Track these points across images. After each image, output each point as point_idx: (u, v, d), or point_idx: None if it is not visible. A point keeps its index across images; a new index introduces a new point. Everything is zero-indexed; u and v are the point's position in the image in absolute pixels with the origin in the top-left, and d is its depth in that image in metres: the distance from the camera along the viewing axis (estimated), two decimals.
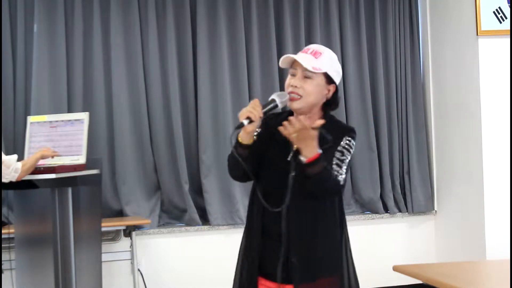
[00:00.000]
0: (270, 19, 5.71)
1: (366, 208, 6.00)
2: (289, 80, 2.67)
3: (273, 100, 2.60)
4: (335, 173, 2.64)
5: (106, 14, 5.43)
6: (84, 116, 4.31)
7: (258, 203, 2.67)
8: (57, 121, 4.34)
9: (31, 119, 4.47)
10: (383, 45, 5.97)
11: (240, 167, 2.63)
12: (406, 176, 6.00)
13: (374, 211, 5.95)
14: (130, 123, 5.47)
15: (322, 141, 2.58)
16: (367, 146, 5.90)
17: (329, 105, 2.71)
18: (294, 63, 2.68)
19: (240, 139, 2.59)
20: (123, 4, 5.45)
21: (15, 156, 3.88)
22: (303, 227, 2.64)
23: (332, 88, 2.69)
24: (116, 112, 5.42)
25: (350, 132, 2.74)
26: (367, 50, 5.92)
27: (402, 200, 6.00)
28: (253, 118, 2.52)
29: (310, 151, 2.52)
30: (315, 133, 2.52)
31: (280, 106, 2.62)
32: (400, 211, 6.00)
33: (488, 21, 5.36)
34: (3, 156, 3.81)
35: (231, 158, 2.67)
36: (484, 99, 5.38)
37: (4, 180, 3.82)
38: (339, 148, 2.69)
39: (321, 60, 2.65)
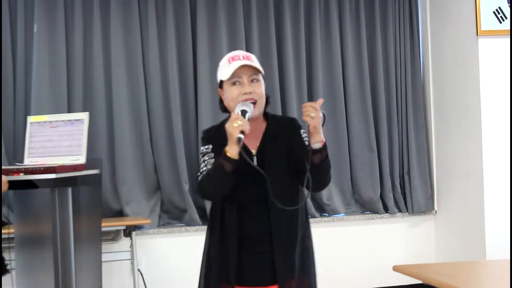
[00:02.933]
0: (270, 19, 5.71)
1: (366, 208, 6.00)
2: (237, 90, 2.68)
3: (245, 111, 2.62)
4: None
5: (106, 14, 5.43)
6: (84, 116, 4.31)
7: (231, 213, 2.68)
8: (57, 121, 4.33)
9: (31, 119, 4.46)
10: (383, 45, 5.97)
11: (230, 183, 2.63)
12: (406, 176, 6.00)
13: (374, 211, 5.95)
14: (130, 123, 5.47)
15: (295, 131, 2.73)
16: (367, 146, 5.90)
17: (267, 103, 2.79)
18: (234, 72, 2.68)
19: (229, 155, 2.57)
20: (123, 4, 5.46)
21: None
22: (285, 229, 2.71)
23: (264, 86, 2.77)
24: (116, 112, 5.42)
25: (296, 121, 2.82)
26: (367, 50, 5.92)
27: (402, 200, 6.00)
28: (246, 131, 2.55)
29: (321, 135, 2.60)
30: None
31: (251, 115, 2.65)
32: (400, 211, 6.00)
33: (488, 21, 5.36)
34: None
35: (220, 175, 2.62)
36: (484, 99, 5.38)
37: None
38: (304, 136, 2.77)
39: (254, 62, 2.73)
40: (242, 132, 2.53)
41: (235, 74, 2.68)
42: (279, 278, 2.70)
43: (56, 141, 4.28)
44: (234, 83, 2.69)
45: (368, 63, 5.92)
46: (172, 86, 5.51)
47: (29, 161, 4.24)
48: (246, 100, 2.66)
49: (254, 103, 2.67)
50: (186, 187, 5.50)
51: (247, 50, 5.63)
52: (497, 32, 5.38)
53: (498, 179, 5.38)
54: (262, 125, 2.78)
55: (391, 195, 5.96)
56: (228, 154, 2.57)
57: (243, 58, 2.70)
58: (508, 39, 5.34)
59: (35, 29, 5.26)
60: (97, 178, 4.37)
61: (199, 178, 2.71)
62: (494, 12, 5.37)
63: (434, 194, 6.06)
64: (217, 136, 2.72)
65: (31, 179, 4.04)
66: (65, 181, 4.13)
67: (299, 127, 2.80)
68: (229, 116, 2.64)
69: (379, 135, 5.95)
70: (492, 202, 5.38)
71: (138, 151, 5.50)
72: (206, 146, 2.75)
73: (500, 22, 5.38)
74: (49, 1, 5.30)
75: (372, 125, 5.90)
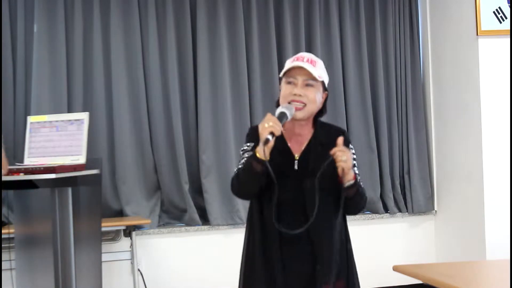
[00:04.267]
0: (270, 19, 5.71)
1: (366, 208, 5.99)
2: (289, 89, 2.67)
3: (284, 113, 2.60)
4: (362, 187, 2.77)
5: (106, 14, 5.43)
6: (84, 116, 4.31)
7: (270, 213, 2.64)
8: (57, 121, 4.33)
9: (31, 119, 4.46)
10: (383, 45, 5.97)
11: (258, 183, 2.61)
12: (406, 176, 6.00)
13: (374, 211, 5.95)
14: (130, 123, 5.47)
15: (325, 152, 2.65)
16: (367, 146, 5.90)
17: (321, 112, 2.79)
18: (291, 72, 2.68)
19: (258, 155, 2.54)
20: (123, 4, 5.45)
21: None
22: (327, 235, 2.71)
23: (325, 95, 2.78)
24: (116, 112, 5.42)
25: (346, 135, 2.79)
26: (367, 50, 5.92)
27: (402, 200, 6.00)
28: (276, 133, 2.52)
29: (351, 173, 2.61)
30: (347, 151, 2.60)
31: (289, 119, 2.63)
32: (400, 211, 6.00)
33: (488, 21, 5.36)
34: None
35: (248, 175, 2.61)
36: (484, 99, 5.38)
37: None
38: (354, 161, 2.74)
39: (318, 68, 2.72)
40: (272, 133, 2.51)
41: (291, 74, 2.68)
42: (318, 280, 2.67)
43: (56, 141, 4.28)
44: (289, 82, 2.69)
45: (368, 63, 5.92)
46: (172, 86, 5.51)
47: (29, 161, 4.24)
48: (293, 101, 2.65)
49: (303, 106, 2.66)
50: (186, 187, 5.50)
51: (247, 50, 5.64)
52: (497, 32, 5.38)
53: (498, 179, 5.38)
54: (310, 131, 2.76)
55: (391, 195, 5.96)
56: (257, 154, 2.55)
57: (306, 61, 2.69)
58: (508, 39, 5.34)
59: (35, 29, 5.26)
60: (97, 178, 4.37)
61: (233, 175, 2.71)
62: (494, 12, 5.37)
63: (434, 194, 6.05)
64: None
65: (31, 179, 4.04)
66: (65, 181, 4.13)
67: (349, 142, 2.79)
68: None
69: (379, 135, 5.95)
70: (492, 202, 5.38)
71: (138, 151, 5.50)
72: (249, 144, 2.72)
73: (500, 22, 5.38)
74: (49, 1, 5.30)
75: (372, 125, 5.90)
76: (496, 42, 5.39)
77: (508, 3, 5.37)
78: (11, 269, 4.71)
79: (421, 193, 5.99)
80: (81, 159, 4.19)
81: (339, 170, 2.59)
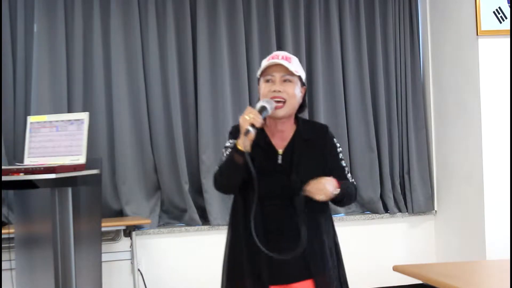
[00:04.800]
0: (270, 19, 5.71)
1: (366, 208, 6.00)
2: (268, 87, 2.72)
3: (264, 107, 2.65)
4: (350, 179, 2.84)
5: (106, 14, 5.43)
6: (84, 116, 4.31)
7: (255, 210, 2.66)
8: (57, 121, 4.33)
9: (31, 119, 4.46)
10: (383, 45, 5.97)
11: (240, 175, 2.65)
12: (406, 176, 6.00)
13: (374, 211, 5.95)
14: (130, 123, 5.47)
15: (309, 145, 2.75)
16: (367, 146, 5.90)
17: (301, 107, 2.82)
18: (267, 70, 2.73)
19: (240, 147, 2.60)
20: (123, 4, 5.45)
21: None
22: (313, 227, 2.74)
23: (303, 90, 2.80)
24: (116, 112, 5.42)
25: (328, 130, 2.85)
26: (367, 50, 5.92)
27: (402, 200, 6.00)
28: (257, 125, 2.57)
29: (333, 185, 2.65)
30: (325, 179, 2.65)
31: (269, 112, 2.67)
32: (400, 211, 6.00)
33: (488, 21, 5.36)
34: None
35: (230, 167, 2.66)
36: (484, 99, 5.38)
37: None
38: (339, 154, 2.84)
39: (293, 63, 2.75)
40: (252, 125, 2.57)
41: (268, 72, 2.73)
42: (314, 273, 2.73)
43: (56, 141, 4.28)
44: (267, 81, 2.74)
45: (368, 63, 5.92)
46: (172, 86, 5.51)
47: (29, 161, 4.24)
48: (273, 97, 2.70)
49: (283, 102, 2.70)
50: (186, 187, 5.50)
51: (247, 50, 5.64)
52: (497, 32, 5.38)
53: (498, 179, 5.38)
54: (292, 127, 2.81)
55: (391, 195, 5.96)
56: (238, 146, 2.60)
57: (282, 58, 2.73)
58: (508, 39, 5.34)
59: (35, 29, 5.26)
60: (97, 178, 4.37)
61: (215, 170, 2.76)
62: (494, 12, 5.37)
63: (434, 194, 6.06)
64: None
65: (31, 179, 4.03)
66: (65, 181, 4.13)
67: (332, 136, 2.86)
68: None
69: (379, 135, 5.95)
70: (492, 202, 5.38)
71: (138, 151, 5.50)
72: (231, 141, 2.77)
73: (500, 22, 5.38)
74: (49, 1, 5.30)
75: (372, 125, 5.90)
76: (496, 42, 5.39)
77: (508, 3, 5.37)
78: (11, 269, 4.71)
79: (421, 193, 5.99)
80: (81, 159, 4.19)
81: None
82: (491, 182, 5.39)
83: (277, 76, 2.72)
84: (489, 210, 5.38)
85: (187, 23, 5.56)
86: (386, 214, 5.97)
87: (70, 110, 5.29)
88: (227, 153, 2.73)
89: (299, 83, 2.76)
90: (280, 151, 2.76)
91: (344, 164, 2.84)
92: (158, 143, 5.53)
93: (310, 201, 2.67)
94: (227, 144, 2.79)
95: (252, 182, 2.63)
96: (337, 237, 2.91)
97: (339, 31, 5.87)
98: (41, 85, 5.24)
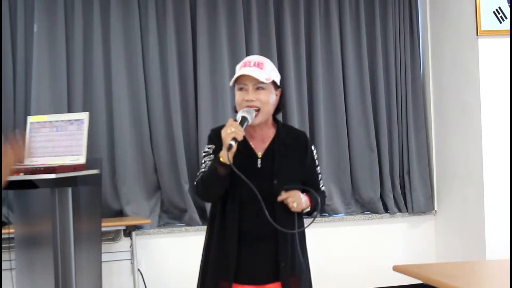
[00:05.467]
0: (270, 19, 5.71)
1: (366, 208, 6.00)
2: (242, 96, 2.76)
3: (245, 118, 2.69)
4: (322, 187, 2.94)
5: (106, 14, 5.43)
6: (84, 116, 4.31)
7: (232, 211, 2.73)
8: (57, 121, 4.33)
9: (31, 119, 4.46)
10: (383, 45, 5.97)
11: (222, 186, 2.70)
12: (406, 176, 6.00)
13: (374, 211, 5.95)
14: (130, 123, 5.47)
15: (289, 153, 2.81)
16: (367, 146, 5.90)
17: (278, 109, 2.85)
18: (240, 79, 2.75)
19: (222, 160, 2.64)
20: (123, 4, 5.45)
21: None
22: (288, 228, 2.77)
23: (278, 92, 2.82)
24: (116, 112, 5.42)
25: (307, 138, 2.91)
26: (367, 50, 5.92)
27: (402, 200, 6.00)
28: (239, 138, 2.62)
29: (305, 203, 2.76)
30: (296, 191, 2.73)
31: (250, 122, 2.71)
32: (400, 211, 6.00)
33: (488, 21, 5.36)
34: None
35: (213, 179, 2.71)
36: (484, 99, 5.38)
37: None
38: (316, 162, 2.91)
39: (266, 69, 2.76)
40: (234, 139, 2.61)
41: (240, 80, 2.76)
42: (282, 276, 2.76)
43: (56, 141, 4.28)
44: (240, 89, 2.77)
45: (368, 63, 5.92)
46: (172, 86, 5.51)
47: (29, 161, 4.23)
48: (247, 107, 2.73)
49: (257, 111, 2.74)
50: (186, 187, 5.50)
51: (247, 50, 5.64)
52: (497, 32, 5.38)
53: (498, 179, 5.38)
54: (271, 131, 2.85)
55: (391, 195, 5.96)
56: (221, 158, 2.64)
57: (254, 64, 2.75)
58: (508, 39, 5.34)
59: (35, 29, 5.26)
60: (97, 178, 4.37)
61: (197, 179, 2.80)
62: (494, 12, 5.37)
63: (434, 194, 6.05)
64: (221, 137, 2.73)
65: (31, 179, 4.04)
66: (65, 181, 4.14)
67: (311, 144, 2.91)
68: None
69: (379, 135, 5.95)
70: (492, 202, 5.38)
71: (138, 151, 5.50)
72: (210, 146, 2.83)
73: (500, 22, 5.38)
74: (49, 1, 5.30)
75: (372, 125, 5.90)
76: (496, 42, 5.39)
77: (508, 3, 5.37)
78: (11, 269, 4.71)
79: (421, 193, 5.99)
80: (81, 159, 4.19)
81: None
82: (491, 182, 5.39)
83: (250, 85, 2.74)
84: (489, 210, 5.38)
85: (187, 23, 5.56)
86: (386, 214, 5.97)
87: (70, 110, 5.29)
88: (206, 160, 2.79)
89: (272, 88, 2.78)
90: (260, 154, 2.80)
91: (319, 172, 2.92)
92: (158, 143, 5.53)
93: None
94: (206, 149, 2.84)
95: (233, 188, 2.70)
96: (305, 242, 2.93)
97: (339, 31, 5.87)
98: (41, 85, 5.24)
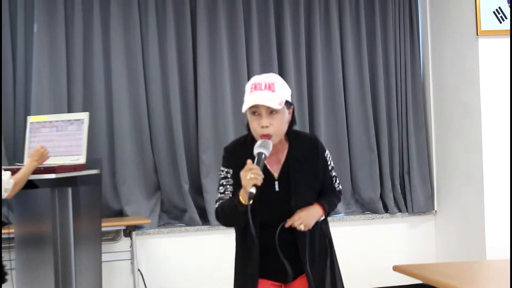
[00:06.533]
0: (270, 19, 5.70)
1: (366, 208, 6.00)
2: (256, 121, 2.72)
3: (262, 153, 2.66)
4: (337, 188, 2.96)
5: (106, 14, 5.43)
6: (84, 116, 4.31)
7: (252, 234, 2.72)
8: (57, 121, 4.34)
9: (31, 119, 4.47)
10: (383, 45, 5.97)
11: (243, 220, 2.71)
12: (406, 176, 6.00)
13: (374, 211, 5.95)
14: (130, 123, 5.47)
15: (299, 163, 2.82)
16: (367, 146, 5.90)
17: (291, 125, 2.83)
18: (253, 105, 2.71)
19: (243, 201, 2.64)
20: (123, 4, 5.45)
21: (8, 174, 3.84)
22: (309, 248, 2.83)
23: (291, 110, 2.80)
24: (116, 112, 5.42)
25: (320, 143, 2.91)
26: (367, 50, 5.92)
27: (402, 200, 6.00)
28: (258, 184, 2.60)
29: (317, 212, 2.81)
30: (309, 209, 2.78)
31: (267, 155, 2.68)
32: (400, 211, 6.00)
33: (488, 21, 5.36)
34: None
35: (232, 214, 2.74)
36: (484, 99, 5.38)
37: None
38: (330, 166, 2.91)
39: (277, 91, 2.72)
40: (254, 185, 2.59)
41: (253, 106, 2.71)
42: (304, 267, 2.81)
43: (56, 141, 4.29)
44: (253, 113, 2.73)
45: (368, 63, 5.92)
46: (172, 86, 5.51)
47: None
48: (262, 136, 2.69)
49: (271, 136, 2.72)
50: (186, 187, 5.50)
51: (247, 50, 5.64)
52: (497, 32, 5.38)
53: (498, 179, 5.38)
54: (284, 147, 2.84)
55: (391, 195, 5.96)
56: (241, 199, 2.65)
57: (264, 87, 2.70)
58: (508, 39, 5.34)
59: (35, 29, 5.26)
60: (97, 178, 4.38)
61: (217, 204, 2.82)
62: (494, 12, 5.37)
63: (434, 194, 6.05)
64: (239, 161, 2.70)
65: (31, 179, 4.04)
66: (65, 181, 4.14)
67: (323, 150, 2.89)
68: (251, 138, 2.75)
69: (379, 135, 5.95)
70: (492, 202, 5.38)
71: (138, 151, 5.50)
72: (226, 170, 2.81)
73: (500, 22, 5.38)
74: (49, 1, 5.30)
75: (372, 125, 5.90)
76: (496, 42, 5.39)
77: (508, 3, 5.37)
78: (11, 269, 4.71)
79: (421, 193, 5.99)
80: (81, 159, 4.20)
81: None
82: (491, 182, 5.39)
83: (263, 109, 2.70)
84: (489, 210, 5.38)
85: (187, 23, 5.56)
86: (386, 214, 5.97)
87: (70, 110, 5.29)
88: (225, 183, 2.79)
89: (285, 109, 2.75)
90: (276, 175, 2.80)
91: (333, 174, 2.93)
92: (158, 143, 5.53)
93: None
94: (224, 172, 2.82)
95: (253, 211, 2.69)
96: (330, 236, 2.97)
97: (339, 31, 5.87)
98: (41, 85, 5.24)
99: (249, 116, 2.75)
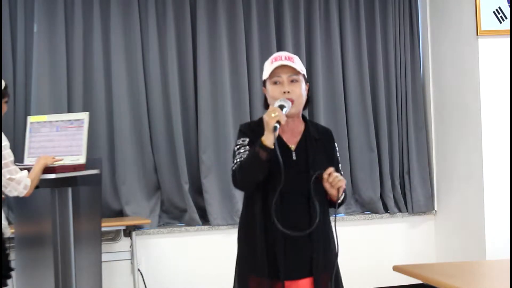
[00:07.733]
0: (270, 19, 5.71)
1: (366, 208, 6.00)
2: (277, 89, 2.78)
3: (283, 106, 2.71)
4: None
5: (106, 14, 5.43)
6: (84, 116, 4.31)
7: (266, 203, 2.73)
8: (57, 121, 4.33)
9: (31, 119, 4.46)
10: (383, 45, 5.97)
11: (263, 171, 2.70)
12: (406, 176, 6.00)
13: (374, 211, 5.95)
14: (130, 123, 5.47)
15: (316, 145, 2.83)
16: (367, 146, 5.90)
17: (306, 103, 2.88)
18: (274, 72, 2.79)
19: (265, 143, 2.65)
20: (123, 4, 5.46)
21: (25, 172, 3.89)
22: (321, 225, 2.80)
23: (307, 87, 2.87)
24: (116, 112, 5.42)
25: (332, 135, 2.95)
26: (367, 50, 5.92)
27: (402, 200, 6.00)
28: (282, 122, 2.64)
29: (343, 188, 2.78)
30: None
31: (288, 111, 2.73)
32: (400, 211, 6.00)
33: (488, 21, 5.36)
34: (17, 175, 3.83)
35: (254, 164, 2.70)
36: (484, 99, 5.38)
37: (12, 194, 3.86)
38: (339, 159, 2.95)
39: (297, 63, 2.82)
40: (278, 122, 2.63)
41: (275, 74, 2.79)
42: (314, 271, 2.79)
43: (56, 141, 4.28)
44: (275, 83, 2.80)
45: (368, 63, 5.92)
46: (172, 86, 5.51)
47: (29, 161, 4.24)
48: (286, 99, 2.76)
49: (292, 102, 2.76)
50: (186, 187, 5.50)
51: (247, 50, 5.65)
52: (497, 32, 5.38)
53: (498, 179, 5.38)
54: (301, 125, 2.88)
55: (391, 195, 5.96)
56: (264, 142, 2.65)
57: (285, 58, 2.80)
58: (508, 39, 5.34)
59: (35, 29, 5.26)
60: (97, 178, 4.37)
61: (233, 168, 2.79)
62: (494, 12, 5.37)
63: (434, 194, 6.06)
64: (256, 129, 2.78)
65: None
66: (65, 181, 4.14)
67: (334, 141, 2.96)
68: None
69: (379, 135, 5.95)
70: (492, 202, 5.38)
71: (138, 151, 5.51)
72: (243, 139, 2.82)
73: (500, 22, 5.38)
74: (49, 1, 5.30)
75: (372, 125, 5.90)
76: (496, 42, 5.39)
77: (508, 3, 5.38)
78: (11, 269, 4.71)
79: (421, 193, 5.99)
80: (81, 159, 4.19)
81: (334, 191, 2.75)
82: (491, 182, 5.39)
83: (284, 77, 2.78)
84: (489, 210, 5.38)
85: (187, 23, 5.57)
86: (386, 214, 5.97)
87: (70, 110, 5.29)
88: (242, 151, 2.78)
89: (303, 81, 2.83)
90: (293, 146, 2.82)
91: (340, 169, 2.95)
92: (158, 143, 5.53)
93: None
94: (240, 142, 2.82)
95: (271, 178, 2.70)
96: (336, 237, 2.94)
97: (339, 31, 5.87)
98: (41, 85, 5.25)
99: (269, 87, 2.81)
